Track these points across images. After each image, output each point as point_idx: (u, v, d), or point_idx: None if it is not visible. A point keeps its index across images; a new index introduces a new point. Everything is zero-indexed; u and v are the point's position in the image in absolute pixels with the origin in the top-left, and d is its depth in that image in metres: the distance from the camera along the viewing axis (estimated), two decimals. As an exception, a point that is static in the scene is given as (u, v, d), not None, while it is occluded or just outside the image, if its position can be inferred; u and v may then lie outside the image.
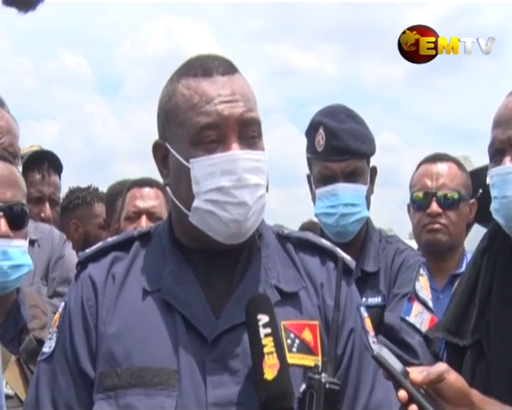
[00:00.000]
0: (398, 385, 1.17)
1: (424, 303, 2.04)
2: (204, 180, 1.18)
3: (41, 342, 1.56)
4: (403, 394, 1.15)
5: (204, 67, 1.23)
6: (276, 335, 1.11)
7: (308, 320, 1.22)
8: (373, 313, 2.02)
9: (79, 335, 1.21)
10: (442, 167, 2.49)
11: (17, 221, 1.64)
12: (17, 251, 1.64)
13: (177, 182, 1.24)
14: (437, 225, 2.44)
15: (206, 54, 1.28)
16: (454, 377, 1.20)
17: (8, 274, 1.61)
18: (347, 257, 1.32)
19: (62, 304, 1.29)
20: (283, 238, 1.31)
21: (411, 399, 1.16)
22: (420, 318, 2.01)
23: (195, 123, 1.19)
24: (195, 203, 1.20)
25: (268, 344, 1.10)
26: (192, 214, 1.21)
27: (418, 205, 2.49)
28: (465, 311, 1.49)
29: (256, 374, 1.09)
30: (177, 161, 1.22)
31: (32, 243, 2.30)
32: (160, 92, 1.30)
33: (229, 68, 1.24)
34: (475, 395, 1.24)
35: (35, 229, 2.36)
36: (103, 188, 3.48)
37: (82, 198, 3.26)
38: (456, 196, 2.44)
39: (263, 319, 1.12)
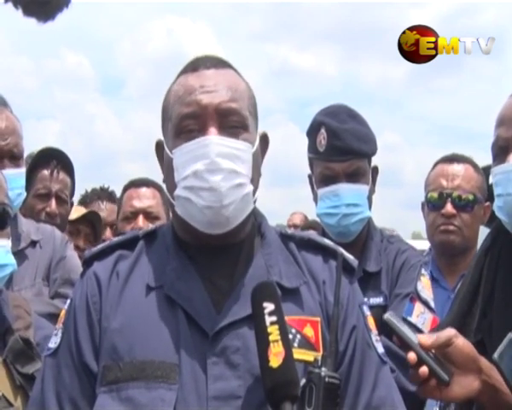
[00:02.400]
0: (408, 348, 1.17)
1: (426, 303, 2.04)
2: (182, 167, 1.21)
3: (27, 342, 1.55)
4: (412, 355, 1.16)
5: (194, 64, 1.28)
6: (281, 323, 1.11)
7: (310, 316, 1.22)
8: (374, 313, 2.02)
9: (84, 330, 1.23)
10: (458, 168, 2.48)
11: (0, 221, 1.62)
12: (1, 251, 1.62)
13: (166, 175, 1.28)
14: (451, 227, 2.44)
15: (200, 54, 1.31)
16: (462, 342, 1.21)
17: None
18: (349, 256, 1.32)
19: (68, 301, 1.31)
20: (286, 237, 1.33)
21: (421, 361, 1.16)
22: (422, 318, 2.01)
23: (178, 114, 1.23)
24: (176, 191, 1.23)
25: (273, 332, 1.09)
26: (176, 203, 1.25)
27: (433, 205, 2.48)
28: (468, 311, 1.49)
29: (261, 362, 1.09)
30: (166, 153, 1.26)
31: (33, 243, 2.31)
32: None
33: (216, 63, 1.28)
34: (483, 361, 1.24)
35: (37, 230, 2.36)
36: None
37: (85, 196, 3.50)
38: (471, 197, 2.43)
39: (269, 307, 1.12)
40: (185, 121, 1.22)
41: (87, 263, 1.31)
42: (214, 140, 1.19)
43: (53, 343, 1.27)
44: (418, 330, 1.97)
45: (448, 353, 1.19)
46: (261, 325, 1.11)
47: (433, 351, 1.19)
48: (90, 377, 1.20)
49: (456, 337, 1.20)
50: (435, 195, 2.47)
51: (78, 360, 1.21)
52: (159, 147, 1.32)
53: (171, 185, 1.25)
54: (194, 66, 1.27)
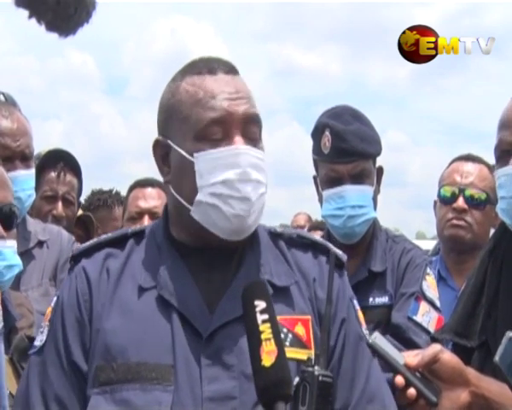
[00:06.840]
0: (395, 371, 1.18)
1: (431, 302, 2.04)
2: (208, 174, 1.20)
3: (33, 341, 1.57)
4: (399, 379, 1.17)
5: (208, 66, 1.27)
6: (273, 321, 1.08)
7: (300, 315, 1.23)
8: (380, 312, 2.04)
9: (72, 328, 1.22)
10: (473, 167, 2.47)
11: (7, 222, 1.64)
12: (9, 251, 1.64)
13: (180, 178, 1.26)
14: (461, 222, 2.42)
15: (209, 56, 1.31)
16: (448, 357, 1.21)
17: (3, 275, 1.62)
18: (338, 251, 1.33)
19: (55, 298, 1.30)
20: (275, 236, 1.33)
21: (408, 383, 1.17)
22: (427, 317, 2.01)
23: (202, 118, 1.22)
24: (199, 197, 1.22)
25: (265, 331, 1.06)
26: (194, 209, 1.23)
27: (445, 199, 2.47)
28: (472, 312, 1.50)
29: (253, 361, 1.05)
30: (180, 156, 1.24)
31: (40, 244, 2.32)
32: (162, 91, 1.32)
33: (231, 69, 1.28)
34: (471, 372, 1.25)
35: (43, 230, 2.37)
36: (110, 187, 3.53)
37: (103, 200, 3.30)
38: (483, 196, 2.41)
39: (260, 305, 1.08)
40: (210, 127, 1.21)
41: (75, 260, 1.30)
42: (245, 150, 1.21)
43: (38, 341, 1.27)
44: (424, 330, 1.98)
45: (435, 369, 1.19)
46: (253, 323, 1.06)
47: (420, 370, 1.20)
48: (79, 376, 1.19)
49: (441, 353, 1.20)
50: (448, 189, 2.46)
51: (67, 359, 1.20)
52: (157, 146, 1.30)
53: (190, 189, 1.23)
54: (210, 68, 1.26)
